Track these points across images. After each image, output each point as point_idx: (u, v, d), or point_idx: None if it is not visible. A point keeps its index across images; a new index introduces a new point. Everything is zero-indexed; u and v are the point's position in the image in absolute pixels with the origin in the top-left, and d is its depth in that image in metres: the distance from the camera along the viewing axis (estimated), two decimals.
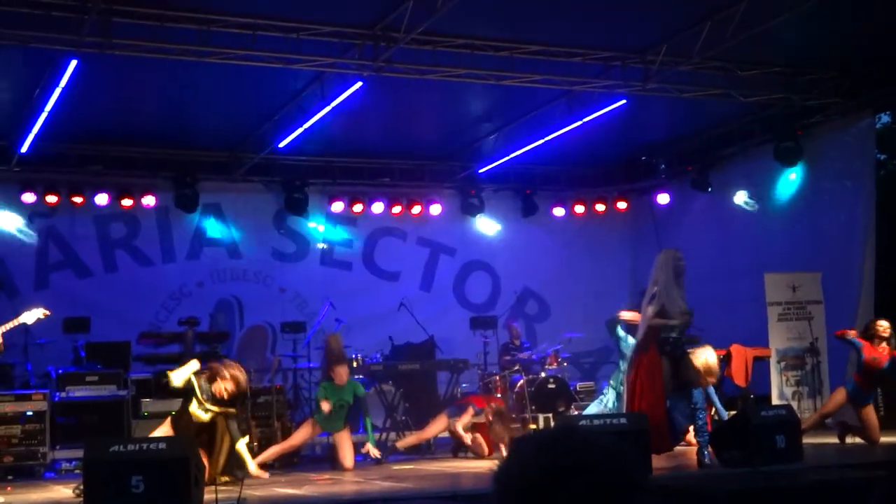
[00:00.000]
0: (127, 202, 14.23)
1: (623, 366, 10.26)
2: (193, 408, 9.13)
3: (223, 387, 8.98)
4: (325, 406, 10.35)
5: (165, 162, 14.21)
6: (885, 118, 22.43)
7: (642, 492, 1.46)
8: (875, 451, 9.96)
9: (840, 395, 10.78)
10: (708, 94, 12.75)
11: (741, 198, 14.72)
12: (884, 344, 10.52)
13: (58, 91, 10.92)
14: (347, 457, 10.58)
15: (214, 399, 9.05)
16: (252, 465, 9.15)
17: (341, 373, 10.68)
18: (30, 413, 10.95)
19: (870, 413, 10.65)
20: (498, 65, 11.59)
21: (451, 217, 16.15)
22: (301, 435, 10.98)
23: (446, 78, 11.56)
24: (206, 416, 9.12)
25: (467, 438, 11.20)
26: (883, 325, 10.64)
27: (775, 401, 12.24)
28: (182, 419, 9.21)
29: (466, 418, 11.16)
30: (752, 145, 14.54)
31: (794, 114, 13.50)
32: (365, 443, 10.79)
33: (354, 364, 11.94)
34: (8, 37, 9.83)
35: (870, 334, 10.66)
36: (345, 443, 10.70)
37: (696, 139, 15.14)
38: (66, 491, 8.65)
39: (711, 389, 9.83)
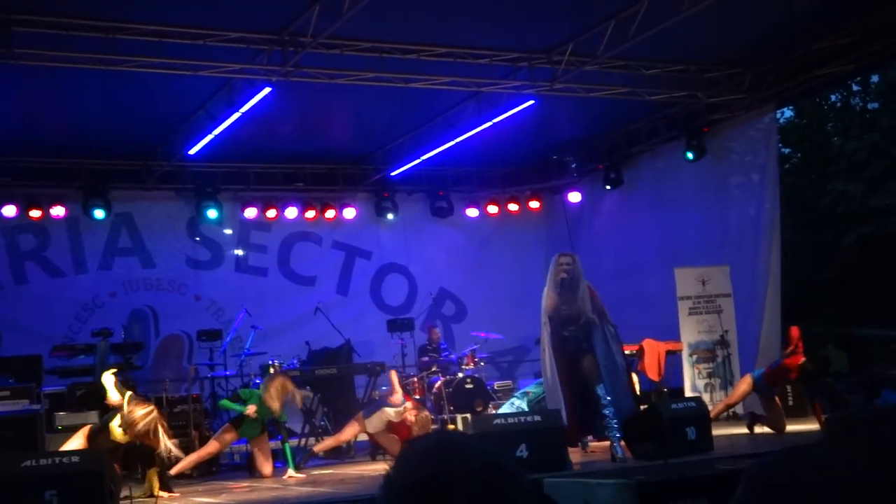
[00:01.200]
0: (35, 213, 14.03)
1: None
2: (115, 424, 9.02)
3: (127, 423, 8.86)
4: (251, 409, 10.28)
5: (74, 171, 14.04)
6: (788, 112, 22.90)
7: (517, 501, 1.48)
8: (782, 440, 10.16)
9: (745, 384, 10.99)
10: (614, 94, 12.91)
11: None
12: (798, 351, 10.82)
13: None
14: (266, 464, 10.52)
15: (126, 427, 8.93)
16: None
17: (274, 405, 10.53)
18: None
19: (775, 403, 10.89)
20: (405, 67, 11.64)
21: (366, 220, 16.19)
22: (218, 442, 10.87)
23: (355, 82, 11.58)
24: (122, 438, 9.01)
25: (384, 438, 11.19)
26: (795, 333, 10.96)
27: (688, 393, 12.43)
28: (101, 434, 9.09)
29: (380, 418, 11.14)
30: (659, 142, 14.79)
31: (699, 110, 13.71)
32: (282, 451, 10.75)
33: (271, 370, 11.87)
34: None
35: (788, 343, 10.94)
36: (263, 449, 10.65)
37: (605, 137, 15.33)
38: None
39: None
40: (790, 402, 12.95)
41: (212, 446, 10.83)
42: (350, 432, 11.52)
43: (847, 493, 1.19)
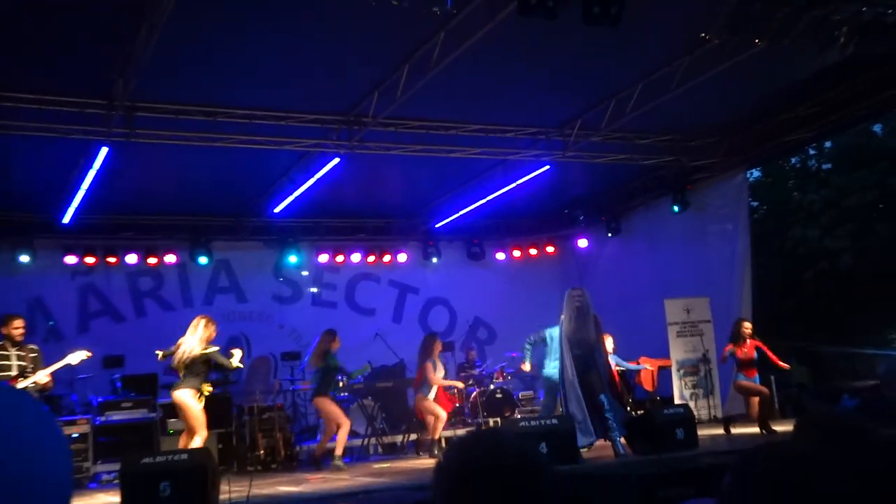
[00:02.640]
0: (152, 260, 14.21)
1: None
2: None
3: None
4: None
5: (183, 226, 14.17)
6: (757, 173, 22.79)
7: (542, 485, 1.47)
8: (756, 438, 10.06)
9: (754, 400, 11.01)
10: (614, 160, 12.92)
11: None
12: (748, 341, 10.80)
13: (92, 172, 10.91)
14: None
15: None
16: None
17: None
18: (76, 435, 10.87)
19: (752, 403, 10.89)
20: (446, 141, 11.72)
21: (415, 263, 16.22)
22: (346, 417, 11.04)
23: (406, 153, 11.68)
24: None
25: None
26: (747, 326, 11.07)
27: (677, 401, 12.39)
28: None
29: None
30: (651, 198, 14.78)
31: (683, 172, 13.67)
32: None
33: (340, 385, 11.89)
34: (49, 129, 9.80)
35: (737, 335, 10.86)
36: None
37: (607, 195, 15.32)
38: (106, 498, 8.54)
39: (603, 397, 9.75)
40: (776, 406, 12.93)
41: (346, 422, 10.85)
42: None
43: (818, 479, 1.16)
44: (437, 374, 11.63)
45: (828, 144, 24.83)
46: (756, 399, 10.93)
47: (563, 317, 9.75)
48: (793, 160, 26.15)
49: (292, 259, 14.96)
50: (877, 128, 24.02)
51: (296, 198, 13.00)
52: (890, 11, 8.88)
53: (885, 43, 8.99)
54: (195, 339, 9.13)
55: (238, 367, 9.42)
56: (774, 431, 10.45)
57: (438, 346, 11.85)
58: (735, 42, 8.75)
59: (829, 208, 24.04)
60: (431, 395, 11.63)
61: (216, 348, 9.29)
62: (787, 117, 12.38)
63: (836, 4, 8.61)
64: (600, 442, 9.78)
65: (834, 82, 11.36)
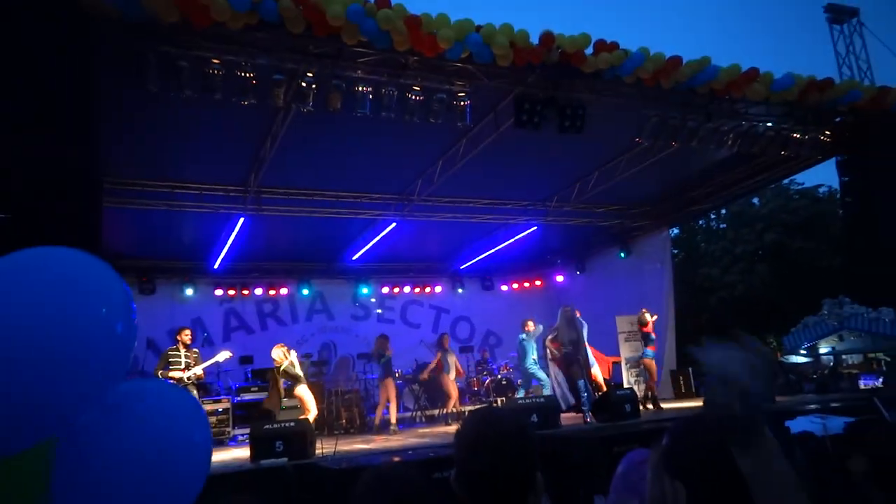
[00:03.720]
0: (272, 291, 14.26)
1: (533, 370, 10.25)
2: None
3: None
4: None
5: (292, 269, 14.23)
6: (676, 230, 22.67)
7: (532, 455, 1.48)
8: (675, 411, 9.86)
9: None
10: (580, 222, 12.94)
11: None
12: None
13: (233, 234, 11.07)
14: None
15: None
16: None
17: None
18: (220, 409, 10.88)
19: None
20: (468, 211, 11.78)
21: (447, 292, 16.16)
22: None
23: (440, 219, 11.75)
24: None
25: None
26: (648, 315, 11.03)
27: (625, 385, 12.18)
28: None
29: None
30: (605, 247, 14.68)
31: (626, 230, 13.64)
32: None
33: (396, 375, 11.84)
34: (206, 207, 10.00)
35: (642, 319, 11.03)
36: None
37: (576, 245, 15.24)
38: (241, 452, 8.53)
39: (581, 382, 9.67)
40: (683, 389, 12.67)
41: (394, 399, 10.80)
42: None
43: (715, 437, 1.17)
44: (451, 358, 11.62)
45: (724, 211, 24.71)
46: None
47: (557, 324, 9.79)
48: (700, 222, 26.02)
49: (364, 290, 14.99)
50: (755, 200, 23.92)
51: (366, 249, 13.07)
52: (760, 125, 8.93)
53: (757, 145, 9.02)
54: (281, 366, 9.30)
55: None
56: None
57: (447, 340, 11.85)
58: (659, 144, 8.80)
59: (725, 254, 23.86)
60: (452, 374, 11.58)
61: (288, 363, 9.28)
62: (695, 193, 12.36)
63: (724, 120, 8.67)
64: (573, 414, 9.69)
65: (725, 170, 11.36)
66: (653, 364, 10.99)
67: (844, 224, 9.92)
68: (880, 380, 11.68)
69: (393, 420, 10.53)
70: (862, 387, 11.47)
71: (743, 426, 1.05)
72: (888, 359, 13.74)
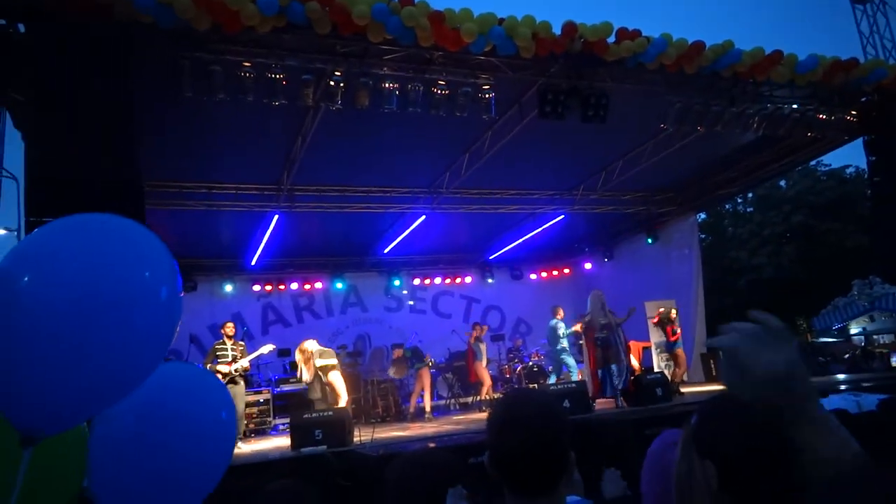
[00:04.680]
0: (307, 286, 14.39)
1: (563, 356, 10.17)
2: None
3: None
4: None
5: (326, 264, 14.33)
6: (703, 215, 22.34)
7: (563, 432, 1.46)
8: (705, 394, 9.74)
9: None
10: (606, 210, 12.79)
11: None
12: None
13: (269, 231, 11.18)
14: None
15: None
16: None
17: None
18: (261, 400, 11.04)
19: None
20: (496, 202, 11.73)
21: (477, 282, 16.12)
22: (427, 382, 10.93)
23: (468, 211, 11.72)
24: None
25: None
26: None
27: (655, 370, 12.05)
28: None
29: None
30: (632, 234, 14.52)
31: (653, 216, 13.47)
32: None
33: (430, 363, 11.86)
34: (242, 206, 10.13)
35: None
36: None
37: (603, 233, 15.10)
38: (281, 441, 8.64)
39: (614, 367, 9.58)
40: (714, 373, 12.51)
41: (428, 387, 10.85)
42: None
43: (753, 412, 1.14)
44: (482, 347, 11.57)
45: (750, 195, 24.27)
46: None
47: (589, 309, 9.65)
48: (727, 206, 25.61)
49: (396, 282, 15.04)
50: (781, 183, 23.43)
51: (397, 242, 13.10)
52: (785, 107, 8.72)
53: (783, 127, 8.81)
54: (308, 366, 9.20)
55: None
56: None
57: (477, 330, 11.78)
58: (683, 129, 8.66)
59: (752, 237, 23.45)
60: (484, 361, 11.53)
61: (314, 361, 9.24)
62: (721, 178, 12.15)
63: (748, 103, 8.49)
64: (606, 398, 9.62)
65: (751, 154, 11.15)
66: (681, 353, 10.91)
67: (873, 204, 9.65)
68: None
69: (427, 408, 10.57)
70: (895, 364, 11.20)
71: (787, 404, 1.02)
72: None
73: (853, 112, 9.13)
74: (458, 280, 15.89)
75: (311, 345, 9.10)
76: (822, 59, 8.21)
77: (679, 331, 11.22)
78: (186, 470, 1.93)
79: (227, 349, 8.50)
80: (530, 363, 13.00)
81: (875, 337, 14.33)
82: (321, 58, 6.72)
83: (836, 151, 11.08)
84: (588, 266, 16.04)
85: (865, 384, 7.86)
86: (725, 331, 1.08)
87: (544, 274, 16.75)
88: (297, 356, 9.19)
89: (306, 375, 9.06)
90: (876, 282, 10.45)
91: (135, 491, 1.84)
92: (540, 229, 13.20)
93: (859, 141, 9.56)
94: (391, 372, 11.64)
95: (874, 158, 9.19)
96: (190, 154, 8.69)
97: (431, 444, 6.60)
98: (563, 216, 12.47)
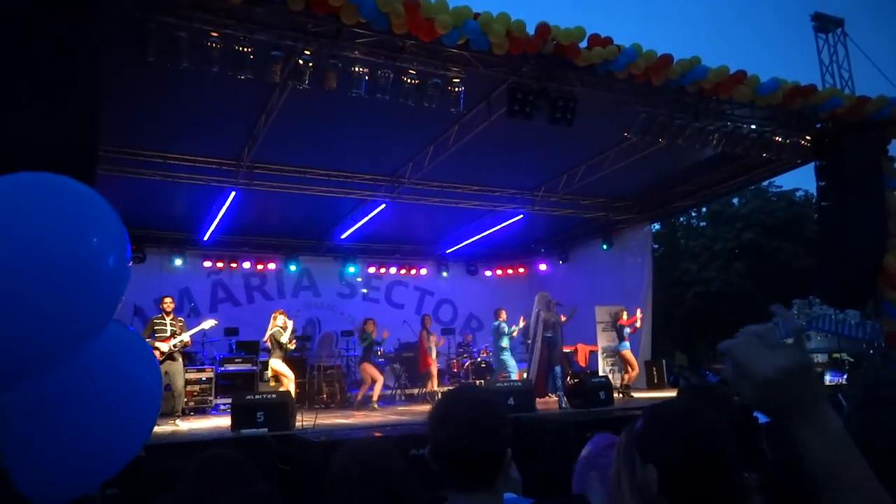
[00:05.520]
0: (260, 266, 14.20)
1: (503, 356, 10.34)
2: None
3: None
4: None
5: (281, 245, 14.16)
6: (657, 226, 22.78)
7: (502, 429, 1.49)
8: (647, 400, 9.97)
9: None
10: (565, 213, 12.92)
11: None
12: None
13: (224, 208, 10.98)
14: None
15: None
16: None
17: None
18: (204, 378, 10.87)
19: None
20: (456, 196, 11.74)
21: (432, 275, 16.13)
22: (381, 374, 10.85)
23: (429, 203, 11.69)
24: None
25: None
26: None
27: (600, 374, 12.26)
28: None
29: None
30: (588, 239, 14.70)
31: (610, 222, 13.66)
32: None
33: (379, 353, 11.83)
34: (199, 179, 9.90)
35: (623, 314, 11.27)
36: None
37: (560, 235, 15.27)
38: (222, 420, 8.52)
39: (558, 368, 9.75)
40: (655, 380, 12.77)
41: (380, 378, 10.72)
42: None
43: (697, 419, 1.16)
44: (431, 338, 11.54)
45: (704, 209, 24.86)
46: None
47: (535, 309, 9.77)
48: (681, 219, 26.18)
49: (351, 269, 14.94)
50: (735, 200, 24.08)
51: (355, 229, 13.01)
52: (744, 126, 8.95)
53: (741, 146, 9.04)
54: (272, 327, 9.31)
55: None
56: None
57: (429, 321, 11.78)
58: (646, 140, 8.80)
59: (703, 251, 24.03)
60: (433, 354, 11.53)
61: (277, 328, 9.32)
62: (678, 191, 12.40)
63: (710, 119, 8.68)
64: (549, 398, 9.75)
65: (708, 169, 11.40)
66: (628, 354, 11.12)
67: (820, 228, 9.99)
68: (844, 376, 11.89)
69: (375, 397, 10.55)
70: (827, 382, 11.66)
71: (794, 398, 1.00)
72: (851, 359, 13.98)
73: (808, 137, 9.43)
74: (414, 271, 15.88)
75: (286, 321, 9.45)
76: (783, 84, 8.44)
77: (638, 315, 11.46)
78: (103, 437, 1.87)
79: (165, 324, 8.33)
80: (479, 359, 13.08)
81: (811, 356, 14.91)
82: (292, 35, 6.60)
83: (787, 174, 11.44)
84: (543, 267, 16.20)
85: None
86: (738, 335, 1.09)
87: (499, 272, 16.86)
88: (281, 321, 9.36)
89: (285, 337, 9.23)
90: (815, 302, 10.87)
91: (48, 459, 1.78)
92: (499, 227, 13.26)
93: (811, 165, 9.87)
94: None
95: (824, 183, 9.50)
96: (148, 121, 8.44)
97: (377, 434, 6.58)
98: (522, 215, 12.55)
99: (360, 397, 10.89)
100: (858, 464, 0.96)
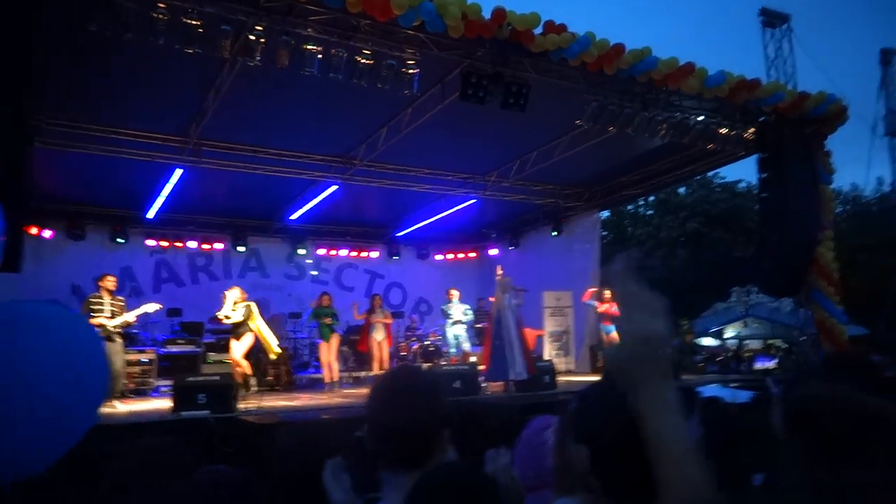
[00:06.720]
0: (206, 246, 13.90)
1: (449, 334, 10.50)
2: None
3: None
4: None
5: (229, 225, 13.88)
6: (606, 213, 23.20)
7: (438, 410, 1.50)
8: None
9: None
10: (516, 198, 13.02)
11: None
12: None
13: (169, 185, 10.69)
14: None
15: None
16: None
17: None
18: (145, 360, 10.61)
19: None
20: (409, 179, 11.69)
21: (383, 258, 16.06)
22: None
23: (381, 185, 11.61)
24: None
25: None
26: (609, 293, 11.01)
27: (545, 358, 12.38)
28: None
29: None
30: (539, 225, 14.83)
31: (560, 209, 13.82)
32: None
33: (327, 322, 11.58)
34: (144, 155, 9.60)
35: (601, 296, 11.07)
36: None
37: (511, 220, 15.37)
38: (163, 403, 8.34)
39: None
40: (599, 364, 13.01)
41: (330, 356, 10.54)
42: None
43: (623, 402, 1.19)
44: (378, 316, 11.30)
45: (651, 198, 25.41)
46: None
47: (501, 294, 9.55)
48: (629, 207, 26.71)
49: (301, 251, 14.75)
50: (681, 190, 24.68)
51: (306, 210, 12.85)
52: (692, 117, 9.16)
53: (687, 136, 9.25)
54: (226, 305, 9.15)
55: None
56: None
57: (378, 301, 11.68)
58: (597, 128, 8.91)
59: (649, 239, 24.61)
60: (380, 335, 11.27)
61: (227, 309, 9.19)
62: (626, 179, 12.63)
63: (659, 110, 8.85)
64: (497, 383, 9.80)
65: (656, 159, 11.64)
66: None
67: (760, 219, 10.33)
68: (774, 361, 12.38)
69: (327, 379, 10.44)
70: (757, 367, 12.13)
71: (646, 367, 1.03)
72: (785, 345, 14.57)
73: (751, 129, 9.71)
74: (365, 254, 15.79)
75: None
76: (729, 77, 8.66)
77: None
78: (46, 420, 1.84)
79: (102, 303, 8.03)
80: (427, 342, 13.13)
81: (746, 342, 15.44)
82: (242, 9, 6.44)
83: (731, 165, 11.78)
84: (494, 252, 16.29)
85: (733, 384, 8.46)
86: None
87: (451, 256, 16.89)
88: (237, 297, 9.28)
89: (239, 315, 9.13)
90: (752, 291, 11.26)
91: None
92: (451, 211, 13.27)
93: (753, 157, 10.18)
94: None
95: (765, 175, 9.82)
96: (90, 93, 8.12)
97: (325, 416, 6.56)
98: (474, 200, 12.58)
99: (327, 379, 10.53)
100: (688, 443, 1.02)
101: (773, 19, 13.84)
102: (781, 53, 13.68)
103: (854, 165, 16.87)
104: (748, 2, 18.45)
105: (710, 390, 5.82)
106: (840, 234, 10.76)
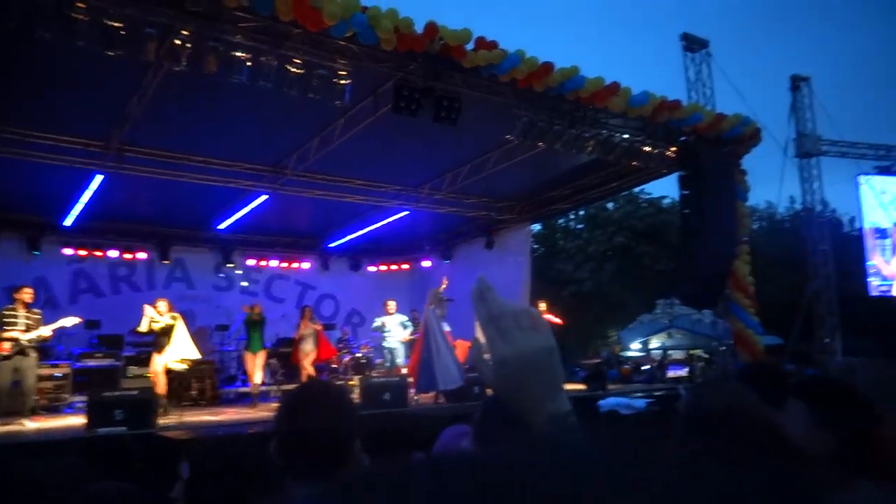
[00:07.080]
0: (128, 255, 13.38)
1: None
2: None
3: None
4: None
5: (153, 233, 13.41)
6: (538, 226, 23.65)
7: (347, 421, 1.52)
8: None
9: None
10: (449, 211, 13.11)
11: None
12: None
13: (89, 191, 10.27)
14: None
15: None
16: None
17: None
18: (59, 374, 10.11)
19: None
20: (342, 190, 11.59)
21: (315, 270, 15.83)
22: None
23: (312, 195, 11.46)
24: None
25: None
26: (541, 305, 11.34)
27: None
28: None
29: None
30: (471, 237, 14.94)
31: (492, 222, 13.99)
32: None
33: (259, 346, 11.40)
34: (61, 160, 9.18)
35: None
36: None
37: (444, 233, 15.44)
38: (77, 420, 7.96)
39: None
40: None
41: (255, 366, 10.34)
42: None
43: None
44: (307, 329, 11.16)
45: (581, 212, 26.07)
46: None
47: (429, 306, 9.69)
48: (560, 221, 27.30)
49: (229, 263, 14.41)
50: (609, 205, 25.42)
51: (235, 220, 12.57)
52: (616, 135, 9.49)
53: (613, 153, 9.57)
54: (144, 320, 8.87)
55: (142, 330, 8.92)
56: None
57: (308, 312, 11.53)
58: (527, 143, 9.10)
59: (579, 252, 25.22)
60: (308, 347, 11.09)
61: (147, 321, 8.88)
62: (556, 194, 12.91)
63: (586, 127, 9.13)
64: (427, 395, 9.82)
65: (584, 174, 11.96)
66: None
67: (681, 233, 10.75)
68: (685, 369, 12.90)
69: (256, 391, 10.22)
70: (670, 375, 12.61)
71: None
72: (706, 355, 15.16)
73: (673, 148, 10.13)
74: (296, 265, 15.55)
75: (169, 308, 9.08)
76: (652, 97, 9.02)
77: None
78: None
79: (16, 316, 7.61)
80: (359, 355, 13.01)
81: (670, 352, 15.97)
82: (167, 13, 6.27)
83: (656, 182, 12.23)
84: (427, 264, 16.34)
85: (657, 393, 8.76)
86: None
87: (383, 267, 16.83)
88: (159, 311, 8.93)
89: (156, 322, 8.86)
90: (675, 302, 11.69)
91: None
92: (384, 222, 13.24)
93: (675, 175, 10.60)
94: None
95: (685, 192, 10.24)
96: (3, 96, 7.73)
97: (251, 430, 6.41)
98: (407, 212, 12.60)
99: (255, 392, 10.36)
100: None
101: (692, 44, 14.49)
102: (701, 77, 14.33)
103: (768, 184, 17.79)
104: (671, 27, 19.33)
105: (610, 402, 6.00)
106: (756, 248, 11.30)
